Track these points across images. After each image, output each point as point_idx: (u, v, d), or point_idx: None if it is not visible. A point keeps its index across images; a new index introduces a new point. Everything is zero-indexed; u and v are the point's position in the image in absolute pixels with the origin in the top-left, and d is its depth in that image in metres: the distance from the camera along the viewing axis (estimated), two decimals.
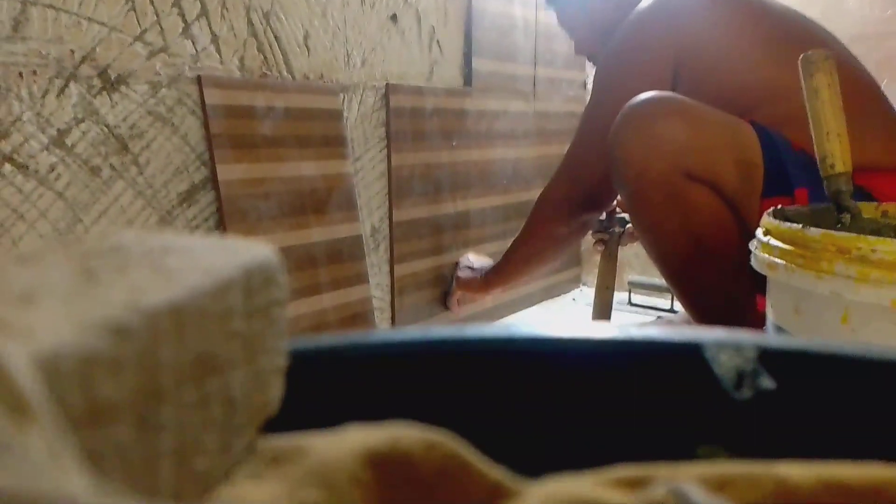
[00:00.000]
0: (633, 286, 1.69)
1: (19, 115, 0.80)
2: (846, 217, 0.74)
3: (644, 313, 1.63)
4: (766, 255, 0.62)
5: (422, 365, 0.17)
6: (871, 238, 0.54)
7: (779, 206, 0.71)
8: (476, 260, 1.41)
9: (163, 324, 0.11)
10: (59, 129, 0.83)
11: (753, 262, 0.65)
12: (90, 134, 0.86)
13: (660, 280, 1.62)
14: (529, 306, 1.69)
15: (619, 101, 0.99)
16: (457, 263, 1.42)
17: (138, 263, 0.13)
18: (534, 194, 1.68)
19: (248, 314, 0.14)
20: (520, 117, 1.59)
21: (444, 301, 1.42)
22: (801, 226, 0.59)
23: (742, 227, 0.96)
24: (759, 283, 1.00)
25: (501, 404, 0.17)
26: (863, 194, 0.88)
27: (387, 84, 1.25)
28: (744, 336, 0.16)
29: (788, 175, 0.92)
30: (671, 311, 1.61)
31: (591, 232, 1.37)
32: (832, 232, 0.56)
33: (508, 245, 1.58)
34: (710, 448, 0.15)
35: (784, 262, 0.59)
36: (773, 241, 0.62)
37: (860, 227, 0.73)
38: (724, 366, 0.15)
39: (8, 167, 0.79)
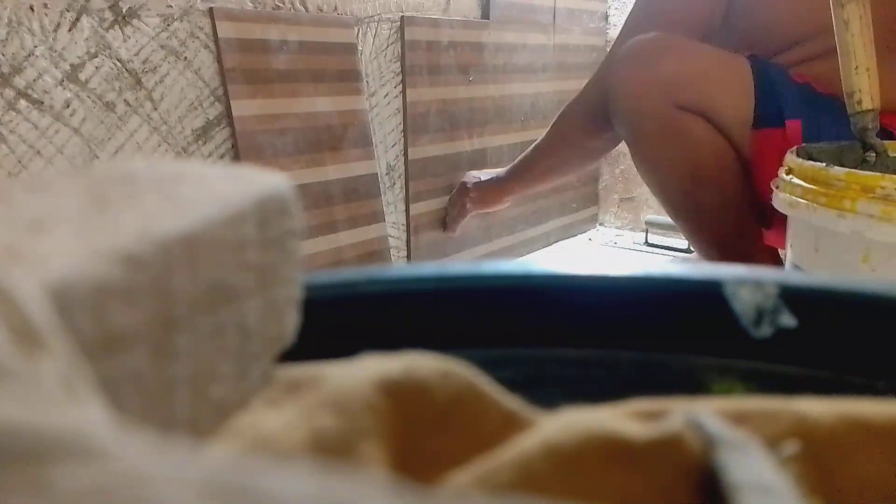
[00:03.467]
0: (650, 225, 1.67)
1: (32, 50, 0.79)
2: (871, 155, 0.72)
3: (661, 254, 1.62)
4: (788, 194, 0.61)
5: (438, 300, 0.17)
6: None
7: (802, 145, 0.70)
8: (481, 174, 1.32)
9: (176, 253, 0.11)
10: (72, 64, 0.82)
11: (774, 201, 0.64)
12: (103, 69, 0.85)
13: None
14: (545, 246, 1.69)
15: (665, 7, 0.99)
16: (461, 184, 1.33)
17: (150, 192, 0.13)
18: None
19: (262, 244, 0.13)
20: (539, 51, 1.55)
21: (443, 223, 1.35)
22: (824, 164, 0.58)
23: (740, 156, 0.97)
24: (762, 216, 1.00)
25: (516, 340, 0.17)
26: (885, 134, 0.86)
27: (402, 16, 1.22)
28: (765, 273, 0.15)
29: (780, 107, 0.92)
30: (688, 251, 1.60)
31: None
32: (856, 171, 0.55)
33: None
34: (728, 384, 0.15)
35: (806, 201, 0.58)
36: (796, 180, 0.61)
37: (885, 166, 0.72)
38: (744, 302, 0.15)
39: (23, 103, 0.79)
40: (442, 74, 1.31)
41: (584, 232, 1.83)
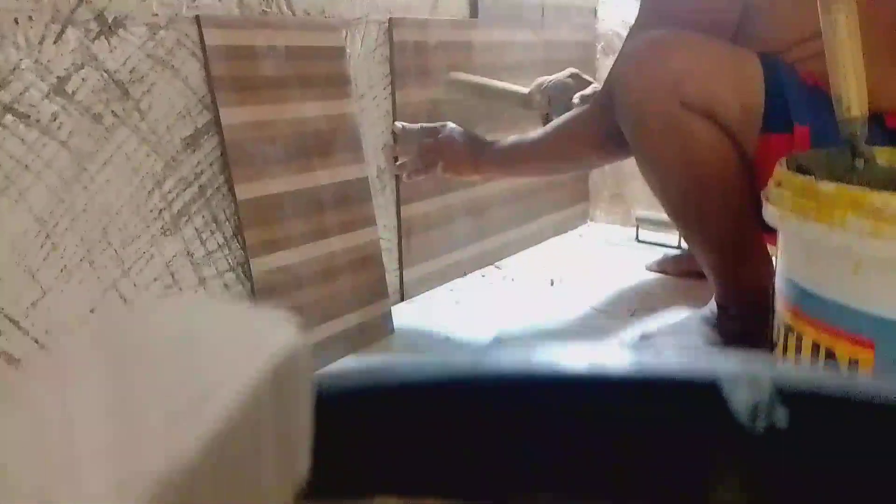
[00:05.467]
0: (641, 222, 1.68)
1: (17, 64, 0.78)
2: (860, 162, 0.73)
3: (651, 250, 1.63)
4: (778, 207, 0.61)
5: (435, 398, 0.17)
6: (885, 193, 0.54)
7: (791, 154, 0.70)
8: (464, 136, 1.22)
9: (201, 474, 0.11)
10: (58, 77, 0.81)
11: (765, 214, 0.64)
12: (90, 80, 0.84)
13: (667, 216, 1.61)
14: (537, 243, 1.69)
15: (672, 17, 0.96)
16: (438, 142, 1.21)
17: (166, 368, 0.13)
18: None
19: (277, 409, 0.13)
20: (528, 48, 1.55)
21: (397, 158, 1.25)
22: (813, 177, 0.58)
23: (744, 159, 0.95)
24: (763, 220, 1.00)
25: (508, 437, 0.17)
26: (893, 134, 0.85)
27: (390, 18, 1.21)
28: (761, 367, 0.16)
29: (789, 112, 0.90)
30: (678, 248, 1.61)
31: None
32: (845, 185, 0.55)
33: (520, 180, 1.53)
34: (726, 490, 0.15)
35: (795, 214, 0.59)
36: (785, 192, 0.61)
37: (873, 174, 0.72)
38: (740, 399, 0.15)
39: (9, 117, 0.78)
40: (431, 75, 1.31)
41: (575, 227, 1.83)
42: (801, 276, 0.62)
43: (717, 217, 0.98)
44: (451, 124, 1.24)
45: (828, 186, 0.56)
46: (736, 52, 0.95)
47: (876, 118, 0.77)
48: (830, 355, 0.59)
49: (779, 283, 0.67)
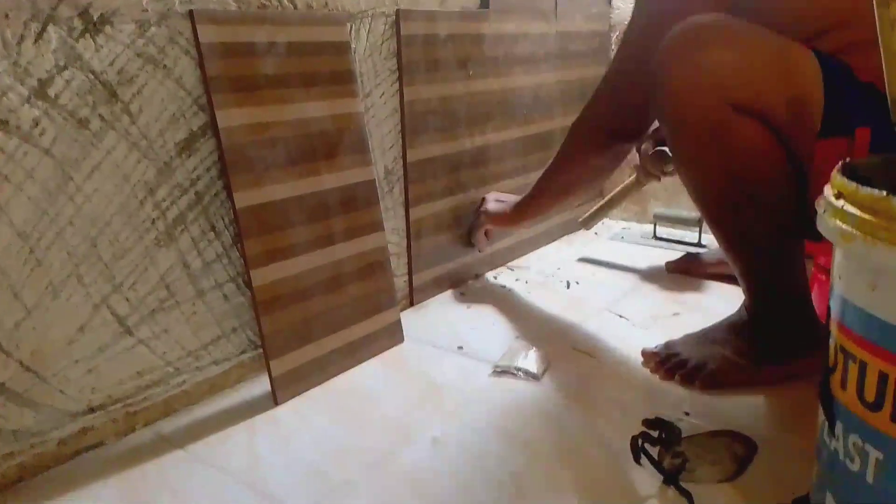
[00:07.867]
0: (659, 219, 1.61)
1: None
2: None
3: (669, 248, 1.56)
4: (839, 223, 0.54)
5: None
6: None
7: (847, 160, 0.63)
8: (501, 195, 1.36)
9: None
10: (39, 80, 0.75)
11: (820, 227, 0.58)
12: (75, 82, 0.78)
13: (686, 212, 1.54)
14: (550, 242, 1.63)
15: (665, 18, 0.88)
16: (481, 200, 1.36)
17: None
18: (555, 123, 1.59)
19: None
20: (540, 39, 1.47)
21: (467, 238, 1.37)
22: (885, 193, 0.51)
23: (796, 168, 0.86)
24: (807, 228, 0.91)
25: None
26: None
27: (397, 10, 1.14)
28: None
29: (848, 112, 0.82)
30: (698, 244, 1.54)
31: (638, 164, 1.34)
32: None
33: (532, 178, 1.49)
34: None
35: (861, 234, 0.52)
36: (849, 208, 0.54)
37: None
38: None
39: None
40: (440, 70, 1.23)
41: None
42: (866, 301, 0.55)
43: (760, 227, 0.89)
44: (492, 194, 1.37)
45: None
46: (788, 44, 0.85)
47: None
48: None
49: (835, 302, 0.61)
